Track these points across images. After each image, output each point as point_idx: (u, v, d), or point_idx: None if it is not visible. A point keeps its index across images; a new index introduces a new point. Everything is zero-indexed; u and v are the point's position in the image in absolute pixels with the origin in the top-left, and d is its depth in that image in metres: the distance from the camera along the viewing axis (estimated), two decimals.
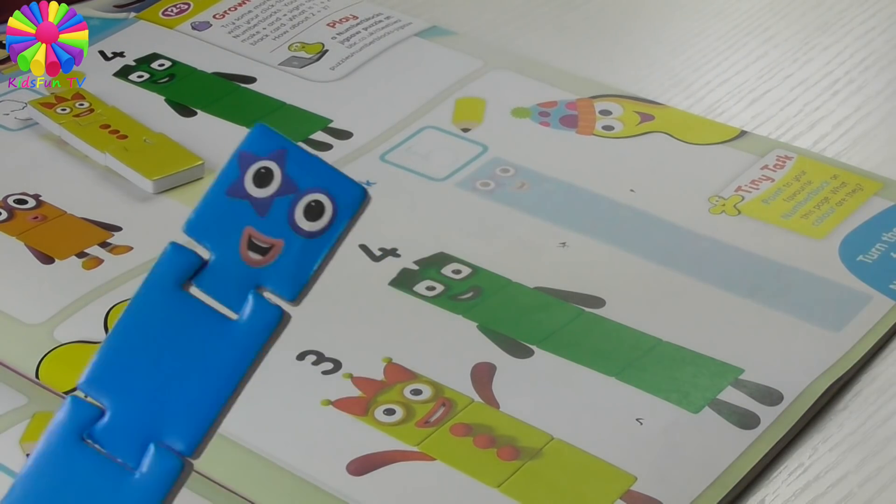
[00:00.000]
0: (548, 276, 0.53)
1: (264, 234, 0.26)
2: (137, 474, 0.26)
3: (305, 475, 0.45)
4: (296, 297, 0.27)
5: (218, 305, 0.26)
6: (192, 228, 0.26)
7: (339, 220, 0.26)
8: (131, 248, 0.55)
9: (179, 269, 0.25)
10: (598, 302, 0.52)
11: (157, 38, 0.69)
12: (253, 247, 0.25)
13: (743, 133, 0.61)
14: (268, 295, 0.26)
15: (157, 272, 0.26)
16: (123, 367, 0.25)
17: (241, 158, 0.25)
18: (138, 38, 0.69)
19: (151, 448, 0.26)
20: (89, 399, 0.26)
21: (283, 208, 0.25)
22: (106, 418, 0.26)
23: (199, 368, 0.25)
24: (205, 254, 0.26)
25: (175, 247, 0.26)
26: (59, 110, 0.62)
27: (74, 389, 0.47)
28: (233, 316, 0.26)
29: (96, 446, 0.26)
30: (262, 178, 0.25)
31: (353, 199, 0.25)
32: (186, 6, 0.71)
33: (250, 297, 0.26)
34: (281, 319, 0.27)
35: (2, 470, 0.45)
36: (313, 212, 0.26)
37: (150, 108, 0.63)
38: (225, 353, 0.26)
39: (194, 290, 0.26)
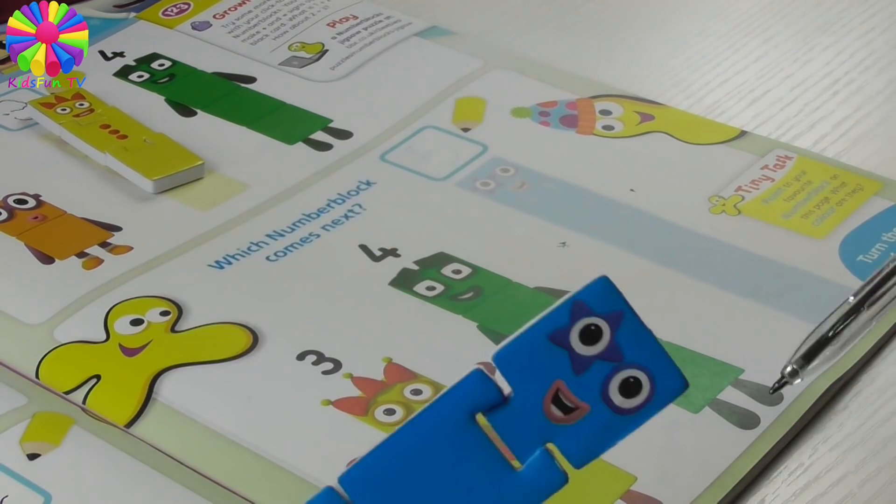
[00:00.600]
0: (548, 276, 0.53)
1: (574, 394, 0.24)
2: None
3: (305, 475, 0.45)
4: (582, 466, 0.25)
5: (501, 446, 0.25)
6: (502, 360, 0.25)
7: (653, 405, 0.25)
8: (131, 248, 0.55)
9: (479, 398, 0.25)
10: None
11: (157, 37, 0.69)
12: (558, 402, 0.24)
13: (743, 133, 0.61)
14: (556, 454, 0.25)
15: (456, 395, 0.25)
16: (392, 473, 0.25)
17: (575, 307, 0.25)
18: (138, 38, 0.69)
19: None
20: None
21: (600, 373, 0.24)
22: None
23: (465, 501, 0.24)
24: (505, 388, 0.25)
25: (481, 375, 0.25)
26: (59, 110, 0.62)
27: (75, 390, 0.48)
28: (515, 464, 0.24)
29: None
30: (591, 336, 0.24)
31: (672, 389, 0.25)
32: (186, 6, 0.71)
33: (539, 452, 0.25)
34: (564, 484, 0.25)
35: (2, 470, 0.45)
36: (630, 389, 0.25)
37: (150, 108, 0.63)
38: (498, 498, 0.24)
39: (484, 423, 0.24)
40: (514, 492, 0.24)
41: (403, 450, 0.25)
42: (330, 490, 0.26)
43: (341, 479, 0.26)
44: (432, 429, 0.24)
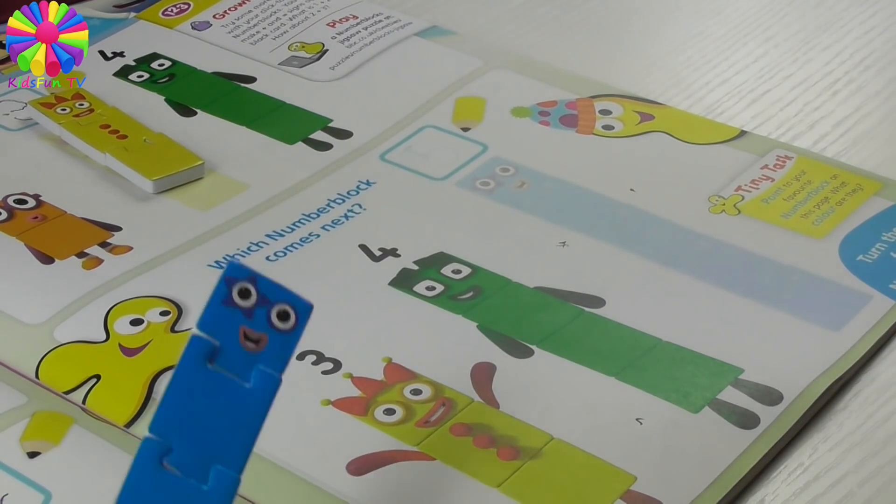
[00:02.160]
0: (548, 276, 0.53)
1: (254, 330, 0.37)
2: (206, 488, 0.38)
3: (305, 475, 0.45)
4: (283, 371, 0.38)
5: (232, 376, 0.38)
6: (205, 326, 0.37)
7: (300, 322, 0.38)
8: (131, 248, 0.55)
9: (203, 352, 0.37)
10: (598, 302, 0.52)
11: (157, 37, 0.69)
12: (248, 338, 0.38)
13: (743, 133, 0.61)
14: (266, 370, 0.38)
15: (188, 354, 0.37)
16: (181, 412, 0.37)
17: (227, 280, 0.37)
18: (138, 37, 0.69)
19: (214, 468, 0.38)
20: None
21: (262, 314, 0.37)
22: (174, 452, 0.37)
23: (233, 414, 0.38)
24: (216, 342, 0.37)
25: (196, 338, 0.37)
26: (59, 110, 0.62)
27: (74, 389, 0.48)
28: (246, 384, 0.38)
29: (172, 469, 0.37)
30: (245, 294, 0.37)
31: (305, 308, 0.38)
32: (186, 6, 0.71)
33: (255, 371, 0.38)
34: (279, 384, 0.38)
35: (2, 468, 0.45)
36: (284, 316, 0.38)
37: (150, 108, 0.63)
38: (246, 407, 0.38)
39: (214, 366, 0.37)
40: (253, 397, 0.37)
41: (180, 393, 0.37)
42: (147, 439, 0.37)
43: (150, 428, 0.37)
44: (190, 375, 0.37)
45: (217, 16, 0.70)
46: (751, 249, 0.54)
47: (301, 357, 0.49)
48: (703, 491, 0.44)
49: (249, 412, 0.38)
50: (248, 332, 0.38)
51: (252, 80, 0.66)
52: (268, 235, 0.55)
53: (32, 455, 0.45)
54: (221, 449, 0.38)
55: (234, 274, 0.37)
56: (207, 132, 0.62)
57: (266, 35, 0.69)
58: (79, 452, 0.46)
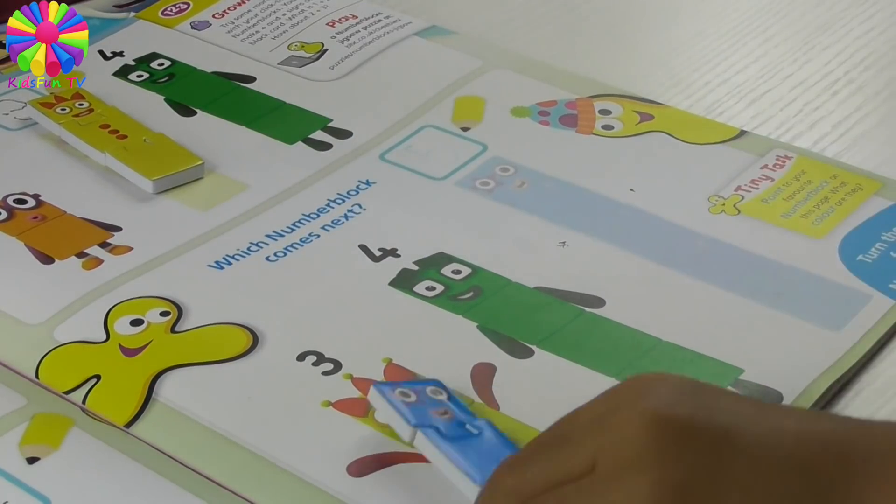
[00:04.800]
0: (548, 276, 0.53)
1: None
2: None
3: (305, 476, 0.45)
4: None
5: None
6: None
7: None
8: (131, 248, 0.55)
9: None
10: (598, 302, 0.52)
11: (157, 37, 0.69)
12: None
13: (743, 133, 0.61)
14: None
15: None
16: None
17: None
18: (138, 37, 0.69)
19: None
20: None
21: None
22: None
23: None
24: None
25: None
26: (58, 110, 0.61)
27: (74, 389, 0.48)
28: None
29: None
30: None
31: None
32: (186, 5, 0.71)
33: None
34: None
35: (1, 475, 0.45)
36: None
37: (150, 108, 0.63)
38: None
39: None
40: None
41: None
42: None
43: None
44: None
45: (216, 15, 0.70)
46: (751, 249, 0.54)
47: (301, 358, 0.49)
48: None
49: None
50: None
51: (252, 79, 0.66)
52: (268, 236, 0.55)
53: (32, 461, 0.45)
54: None
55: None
56: (207, 132, 0.62)
57: (266, 34, 0.69)
58: (78, 457, 0.45)
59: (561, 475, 0.37)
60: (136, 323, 0.51)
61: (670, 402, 0.36)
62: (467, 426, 0.45)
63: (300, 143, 0.61)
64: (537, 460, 0.38)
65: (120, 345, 0.50)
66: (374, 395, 0.46)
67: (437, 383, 0.47)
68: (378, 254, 0.54)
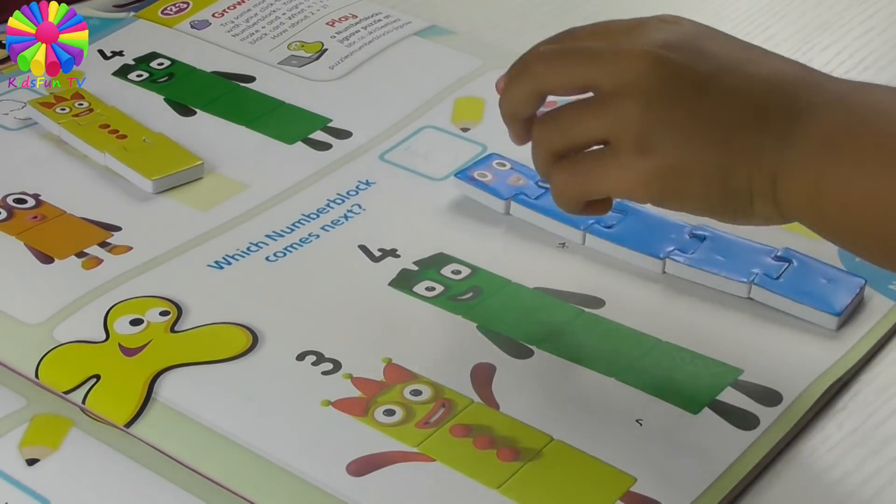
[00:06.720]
0: (548, 276, 0.53)
1: None
2: None
3: (305, 475, 0.45)
4: None
5: None
6: None
7: None
8: (131, 248, 0.55)
9: None
10: (598, 302, 0.52)
11: (157, 37, 0.69)
12: None
13: None
14: None
15: None
16: None
17: None
18: (137, 37, 0.69)
19: None
20: None
21: None
22: None
23: None
24: None
25: None
26: (58, 110, 0.61)
27: (74, 389, 0.48)
28: None
29: None
30: None
31: None
32: (185, 5, 0.71)
33: None
34: None
35: (1, 476, 0.45)
36: None
37: (150, 108, 0.63)
38: None
39: None
40: None
41: None
42: None
43: None
44: None
45: (216, 15, 0.70)
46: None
47: (301, 357, 0.49)
48: (703, 492, 0.44)
49: None
50: None
51: (251, 79, 0.66)
52: (267, 236, 0.55)
53: (31, 462, 0.45)
54: None
55: None
56: (207, 132, 0.62)
57: (265, 34, 0.69)
58: (78, 457, 0.45)
59: (582, 80, 0.48)
60: (136, 322, 0.51)
61: (672, 44, 0.45)
62: (538, 183, 0.56)
63: (300, 143, 0.61)
64: (566, 54, 0.49)
65: (120, 344, 0.50)
66: (458, 184, 0.57)
67: (495, 155, 0.58)
68: (378, 254, 0.54)
